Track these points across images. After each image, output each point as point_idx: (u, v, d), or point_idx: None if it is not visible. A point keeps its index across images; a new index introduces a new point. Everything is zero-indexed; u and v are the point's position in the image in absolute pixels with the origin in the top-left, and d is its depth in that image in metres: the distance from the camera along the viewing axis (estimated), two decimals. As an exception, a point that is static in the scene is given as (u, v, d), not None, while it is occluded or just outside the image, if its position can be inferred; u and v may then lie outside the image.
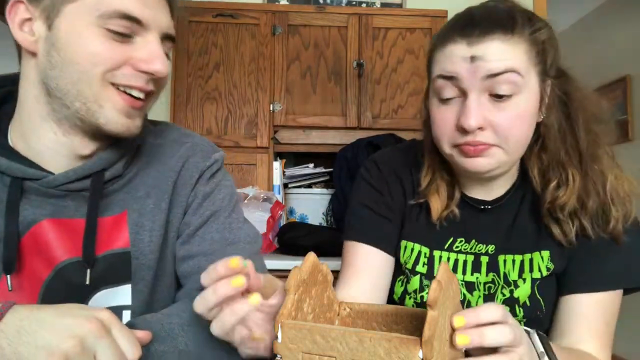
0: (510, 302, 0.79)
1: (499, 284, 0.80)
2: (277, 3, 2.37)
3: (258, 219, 1.90)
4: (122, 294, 0.72)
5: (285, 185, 2.22)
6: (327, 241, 1.76)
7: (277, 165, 2.12)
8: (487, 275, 0.81)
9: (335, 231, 1.90)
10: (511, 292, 0.79)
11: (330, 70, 2.13)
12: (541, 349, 0.60)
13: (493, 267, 0.80)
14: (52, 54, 0.62)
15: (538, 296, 0.78)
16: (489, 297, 0.80)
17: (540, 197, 0.78)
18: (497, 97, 0.69)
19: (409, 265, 0.83)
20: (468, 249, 0.82)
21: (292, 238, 1.87)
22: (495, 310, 0.50)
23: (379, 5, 2.44)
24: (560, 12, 3.32)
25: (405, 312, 0.58)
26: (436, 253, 0.82)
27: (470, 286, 0.81)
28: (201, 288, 0.52)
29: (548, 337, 0.77)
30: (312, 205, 2.17)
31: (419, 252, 0.83)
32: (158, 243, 0.74)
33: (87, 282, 0.68)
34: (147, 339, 0.58)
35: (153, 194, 0.74)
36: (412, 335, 0.45)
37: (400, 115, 2.12)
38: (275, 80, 2.11)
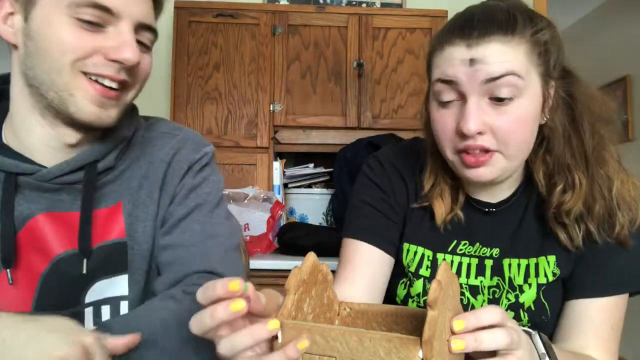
0: (515, 307, 0.78)
1: (503, 288, 0.79)
2: (277, 3, 2.36)
3: (258, 219, 1.90)
4: (119, 285, 0.73)
5: (285, 185, 2.22)
6: (327, 241, 1.76)
7: (277, 165, 2.12)
8: (491, 279, 0.80)
9: (335, 231, 1.90)
10: (516, 297, 0.78)
11: (330, 70, 2.13)
12: (542, 350, 0.60)
13: (498, 270, 0.79)
14: (27, 44, 0.64)
15: (543, 301, 0.77)
16: (493, 302, 0.79)
17: (545, 201, 0.76)
18: (498, 100, 0.67)
19: (412, 269, 0.82)
20: (472, 252, 0.81)
21: (292, 238, 1.87)
22: (495, 313, 0.49)
23: (379, 5, 2.44)
24: (560, 12, 3.32)
25: (405, 312, 0.58)
26: (439, 256, 0.81)
27: (474, 290, 0.80)
28: (200, 307, 0.49)
29: (552, 341, 0.77)
30: (312, 205, 2.17)
31: (422, 255, 0.82)
32: (151, 233, 0.75)
33: (84, 272, 0.69)
34: (134, 344, 0.57)
35: (145, 185, 0.75)
36: (412, 335, 0.44)
37: (400, 115, 2.12)
38: (275, 80, 2.11)
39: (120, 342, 0.55)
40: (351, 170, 1.92)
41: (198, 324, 0.47)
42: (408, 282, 0.84)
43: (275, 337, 0.49)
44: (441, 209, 0.80)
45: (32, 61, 0.64)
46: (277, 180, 2.11)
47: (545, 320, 0.77)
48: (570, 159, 0.74)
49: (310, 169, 2.22)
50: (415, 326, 0.57)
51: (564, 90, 0.74)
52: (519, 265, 0.79)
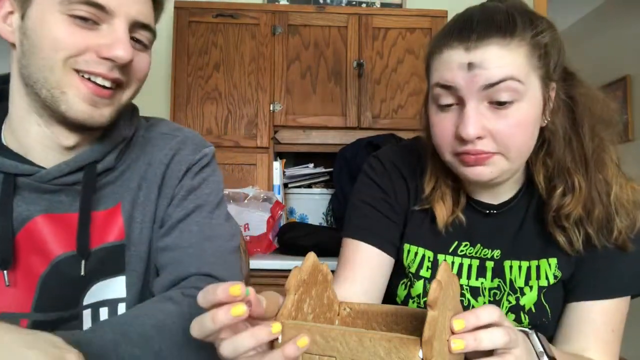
0: (516, 310, 0.78)
1: (504, 290, 0.78)
2: (277, 3, 2.36)
3: (258, 219, 1.90)
4: (117, 286, 0.72)
5: (285, 185, 2.22)
6: (327, 241, 1.76)
7: (277, 165, 2.12)
8: (492, 281, 0.79)
9: (335, 231, 1.90)
10: (517, 299, 0.77)
11: (330, 70, 2.13)
12: (540, 348, 0.60)
13: (499, 272, 0.79)
14: (24, 42, 0.64)
15: (544, 303, 0.77)
16: (494, 304, 0.78)
17: (545, 204, 0.76)
18: (497, 104, 0.66)
19: (413, 270, 0.82)
20: (473, 253, 0.80)
21: (292, 238, 1.87)
22: (493, 312, 0.49)
23: (379, 5, 2.44)
24: (560, 12, 3.32)
25: (405, 312, 0.58)
26: (440, 257, 0.81)
27: (475, 291, 0.80)
28: (199, 310, 0.48)
29: (553, 343, 0.76)
30: (312, 205, 2.17)
31: (423, 256, 0.82)
32: (148, 235, 0.75)
33: (82, 274, 0.68)
34: None
35: (144, 186, 0.75)
36: (412, 335, 0.44)
37: (400, 115, 2.12)
38: (275, 80, 2.11)
39: None
40: (351, 170, 1.92)
41: (199, 327, 0.47)
42: (408, 283, 0.83)
43: (276, 337, 0.49)
44: (442, 212, 0.79)
45: (27, 59, 0.63)
46: (277, 180, 2.11)
47: (545, 322, 0.77)
48: (570, 162, 0.73)
49: (310, 169, 2.22)
50: (415, 326, 0.56)
51: (565, 92, 0.74)
52: (520, 267, 0.78)
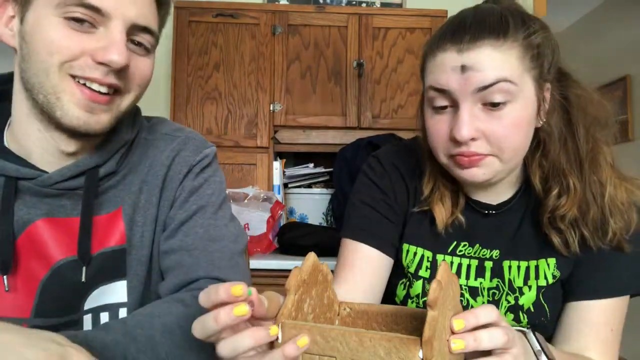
0: (515, 309, 0.78)
1: (503, 290, 0.79)
2: (277, 3, 2.36)
3: (258, 219, 1.90)
4: (118, 291, 0.72)
5: (285, 185, 2.22)
6: (327, 241, 1.76)
7: (277, 165, 2.12)
8: (491, 281, 0.79)
9: (335, 231, 1.90)
10: (516, 299, 0.78)
11: (330, 70, 2.13)
12: (538, 347, 0.60)
13: (497, 272, 0.79)
14: (22, 46, 0.63)
15: (543, 303, 0.77)
16: (493, 304, 0.78)
17: (541, 205, 0.76)
18: (491, 106, 0.67)
19: (412, 270, 0.82)
20: (472, 253, 0.81)
21: (292, 238, 1.87)
22: (491, 312, 0.50)
23: (379, 5, 2.44)
24: (560, 12, 3.32)
25: (405, 312, 0.58)
26: (439, 257, 0.81)
27: (474, 291, 0.80)
28: (202, 310, 0.49)
29: (552, 342, 0.77)
30: (312, 205, 2.17)
31: (422, 256, 0.82)
32: (150, 238, 0.74)
33: (83, 280, 0.68)
34: None
35: (145, 189, 0.74)
36: (412, 335, 0.45)
37: (400, 115, 2.12)
38: (275, 80, 2.11)
39: None
40: (351, 170, 1.92)
41: (201, 327, 0.47)
42: (407, 283, 0.84)
43: (276, 338, 0.49)
44: (442, 213, 0.79)
45: (25, 63, 0.62)
46: (277, 180, 2.11)
47: (544, 321, 0.77)
48: (565, 163, 0.74)
49: (310, 168, 2.22)
50: (415, 326, 0.56)
51: (560, 92, 0.74)
52: (518, 267, 0.78)
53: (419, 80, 0.78)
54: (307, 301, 0.55)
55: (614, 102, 3.12)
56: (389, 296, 0.86)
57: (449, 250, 0.81)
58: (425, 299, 0.80)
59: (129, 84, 0.66)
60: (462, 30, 0.68)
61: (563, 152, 0.74)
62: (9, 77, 0.70)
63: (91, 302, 0.70)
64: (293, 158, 2.33)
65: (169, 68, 2.13)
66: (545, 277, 0.77)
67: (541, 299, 0.77)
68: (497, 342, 0.49)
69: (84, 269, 0.68)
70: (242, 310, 0.45)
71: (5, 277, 0.65)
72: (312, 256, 0.56)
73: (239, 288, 0.45)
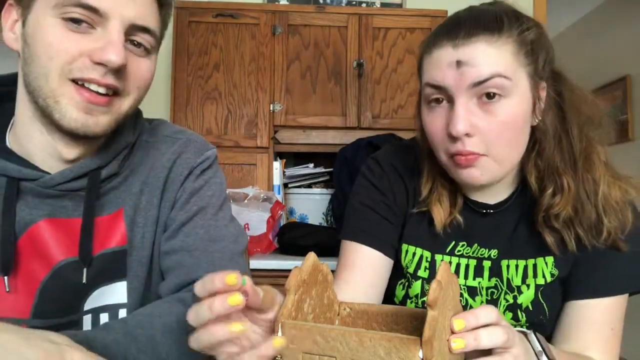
0: (513, 308, 0.78)
1: (502, 289, 0.79)
2: (277, 3, 2.36)
3: (258, 219, 1.90)
4: (118, 292, 0.72)
5: (285, 185, 2.22)
6: (327, 241, 1.76)
7: (277, 165, 2.12)
8: (489, 280, 0.80)
9: (335, 231, 1.90)
10: (514, 298, 0.78)
11: (330, 70, 2.13)
12: (539, 347, 0.60)
13: (496, 272, 0.80)
14: (24, 50, 0.63)
15: (541, 301, 0.77)
16: (491, 303, 0.79)
17: (536, 204, 0.77)
18: (486, 99, 0.68)
19: (411, 270, 0.82)
20: (470, 253, 0.81)
21: (292, 238, 1.87)
22: (491, 312, 0.50)
23: (379, 5, 2.44)
24: (560, 12, 3.32)
25: (405, 312, 0.58)
26: (438, 257, 0.81)
27: (472, 291, 0.80)
28: (195, 299, 0.49)
29: (552, 342, 0.77)
30: (312, 205, 2.17)
31: (421, 256, 0.82)
32: (150, 239, 0.74)
33: (84, 281, 0.68)
34: None
35: (146, 191, 0.74)
36: (412, 335, 0.45)
37: (400, 115, 2.12)
38: (275, 80, 2.11)
39: None
40: (351, 170, 1.92)
41: (195, 315, 0.47)
42: (406, 283, 0.84)
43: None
44: (440, 214, 0.80)
45: (27, 67, 0.63)
46: (277, 180, 2.11)
47: (543, 320, 0.77)
48: (559, 162, 0.74)
49: (310, 169, 2.22)
50: (415, 326, 0.57)
51: (554, 92, 0.75)
52: (517, 266, 0.79)
53: (418, 80, 0.78)
54: (307, 301, 0.55)
55: (614, 103, 3.14)
56: (388, 297, 0.86)
57: (447, 250, 0.82)
58: (424, 299, 0.80)
59: (128, 86, 0.65)
60: (457, 27, 0.69)
61: (557, 150, 0.74)
62: (14, 77, 0.70)
63: (91, 302, 0.70)
64: (293, 158, 2.33)
65: (169, 68, 2.13)
66: (544, 276, 0.77)
67: (540, 297, 0.77)
68: (496, 340, 0.49)
69: (84, 270, 0.68)
70: (237, 299, 0.46)
71: (5, 277, 0.64)
72: (312, 256, 0.56)
73: (232, 277, 0.46)
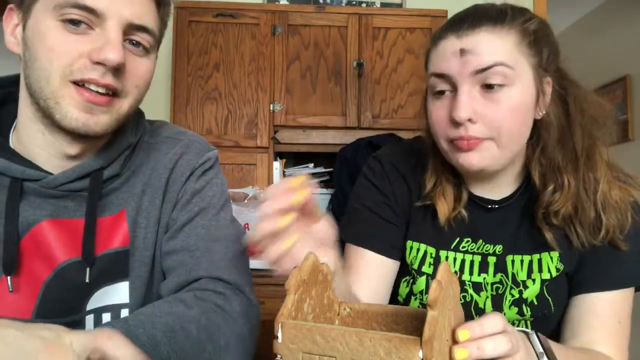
0: (519, 303, 0.78)
1: (507, 284, 0.79)
2: (277, 3, 2.37)
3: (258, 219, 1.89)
4: (120, 292, 0.72)
5: (285, 185, 2.22)
6: (327, 241, 1.76)
7: (277, 165, 2.12)
8: (494, 276, 0.80)
9: (335, 231, 1.89)
10: (520, 292, 0.78)
11: (330, 70, 2.13)
12: (540, 349, 0.60)
13: (501, 267, 0.80)
14: (25, 53, 0.64)
15: (547, 296, 0.77)
16: (497, 298, 0.79)
17: (537, 200, 0.77)
18: (488, 87, 0.69)
19: (415, 266, 0.82)
20: (475, 249, 0.81)
21: (292, 238, 1.87)
22: (497, 322, 0.49)
23: (379, 5, 2.44)
24: (560, 12, 3.32)
25: (405, 312, 0.58)
26: (442, 253, 0.82)
27: (477, 287, 0.80)
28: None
29: (560, 338, 0.77)
30: (312, 205, 2.17)
31: (425, 253, 0.82)
32: (152, 240, 0.74)
33: (87, 281, 0.68)
34: None
35: (148, 191, 0.75)
36: (412, 335, 0.45)
37: (400, 115, 2.12)
38: (275, 80, 2.11)
39: None
40: (351, 170, 1.92)
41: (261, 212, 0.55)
42: (411, 280, 0.84)
43: (275, 337, 0.49)
44: (444, 208, 0.80)
45: (28, 69, 0.63)
46: (277, 180, 2.11)
47: (547, 314, 0.78)
48: (561, 159, 0.75)
49: (310, 168, 2.22)
50: (415, 326, 0.56)
51: (560, 90, 0.75)
52: (522, 261, 0.79)
53: (419, 80, 0.80)
54: (307, 301, 0.55)
55: (614, 103, 3.13)
56: (391, 295, 0.86)
57: (452, 247, 0.82)
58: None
59: (127, 85, 0.66)
60: (462, 20, 0.71)
61: (560, 147, 0.75)
62: (16, 79, 0.70)
63: (93, 302, 0.70)
64: (293, 158, 2.33)
65: (169, 68, 2.13)
66: (549, 270, 0.78)
67: (545, 292, 0.77)
68: (500, 350, 0.48)
69: (87, 270, 0.68)
70: (287, 219, 0.55)
71: (9, 277, 0.65)
72: (311, 256, 0.56)
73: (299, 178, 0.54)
